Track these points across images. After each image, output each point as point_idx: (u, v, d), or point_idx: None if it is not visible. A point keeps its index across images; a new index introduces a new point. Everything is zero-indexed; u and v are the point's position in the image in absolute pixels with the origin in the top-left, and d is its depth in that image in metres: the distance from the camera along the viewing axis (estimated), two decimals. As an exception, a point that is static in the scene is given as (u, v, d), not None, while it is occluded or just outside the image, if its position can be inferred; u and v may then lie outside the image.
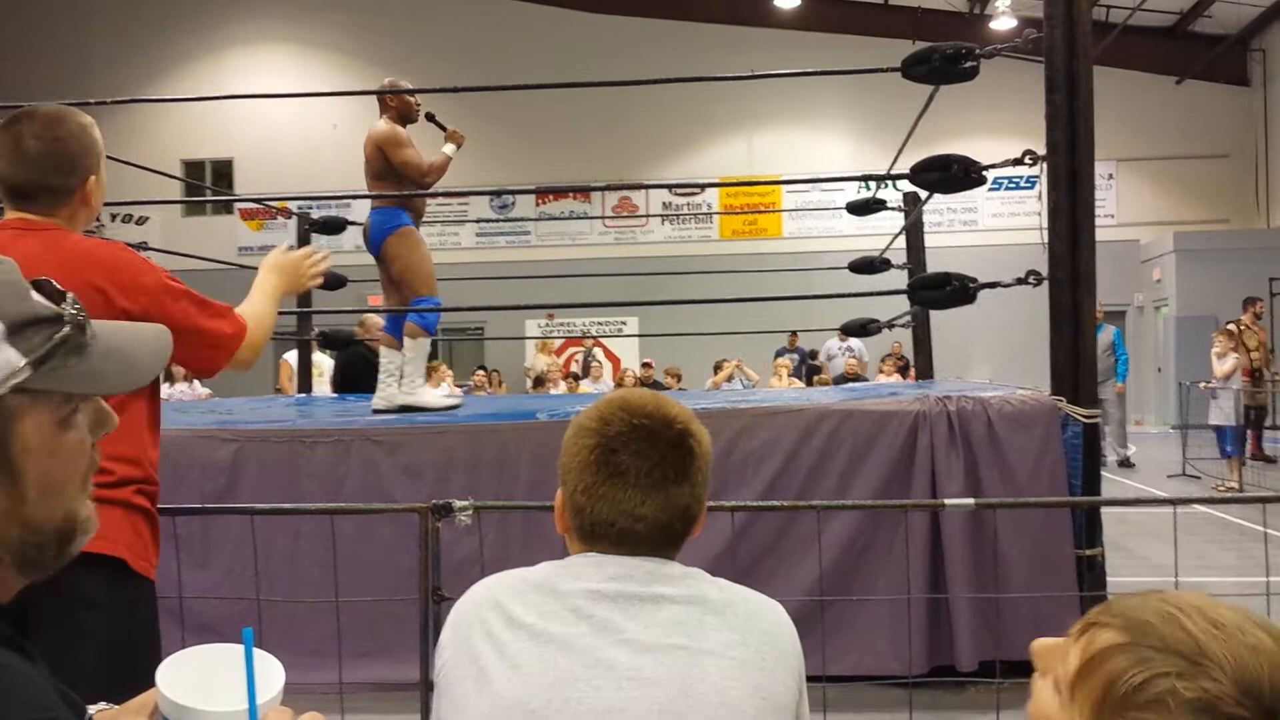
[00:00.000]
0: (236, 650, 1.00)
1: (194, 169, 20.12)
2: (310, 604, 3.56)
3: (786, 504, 3.56)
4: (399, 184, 5.35)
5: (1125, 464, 12.17)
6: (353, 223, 8.45)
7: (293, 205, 9.57)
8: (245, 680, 0.97)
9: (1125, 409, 12.73)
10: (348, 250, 18.41)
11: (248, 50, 20.59)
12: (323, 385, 9.16)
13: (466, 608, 1.44)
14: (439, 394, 5.68)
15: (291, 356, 9.87)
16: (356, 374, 7.98)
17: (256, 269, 2.50)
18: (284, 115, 19.68)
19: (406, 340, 5.43)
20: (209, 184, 20.11)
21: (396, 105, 5.55)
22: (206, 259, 7.82)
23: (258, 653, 0.99)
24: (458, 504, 2.35)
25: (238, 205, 19.90)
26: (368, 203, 18.47)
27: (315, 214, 8.63)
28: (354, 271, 8.50)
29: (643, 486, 1.40)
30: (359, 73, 19.85)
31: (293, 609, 3.83)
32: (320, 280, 2.62)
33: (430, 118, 5.70)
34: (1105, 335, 12.41)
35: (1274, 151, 18.97)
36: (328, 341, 8.20)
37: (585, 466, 1.43)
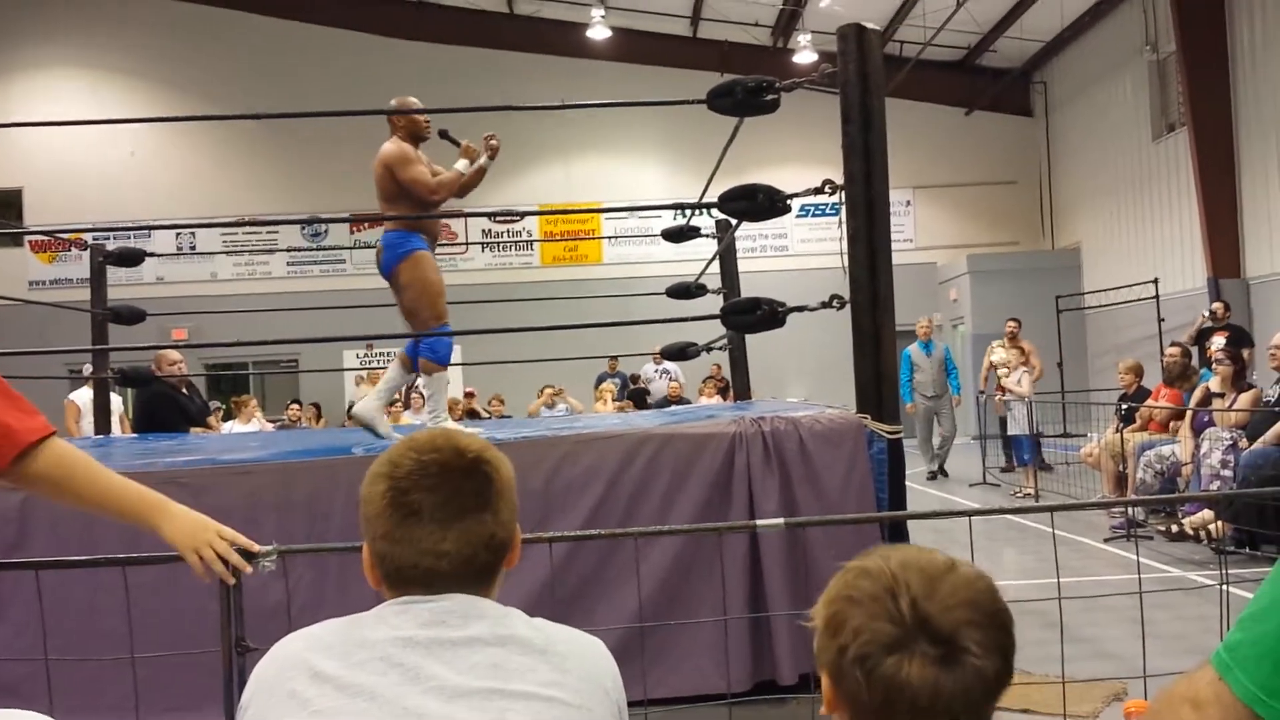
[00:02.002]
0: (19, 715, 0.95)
1: (-22, 200, 18.90)
2: (107, 661, 3.36)
3: (604, 533, 3.58)
4: (413, 205, 5.13)
5: (933, 476, 12.66)
6: (151, 254, 8.07)
7: (88, 236, 9.05)
8: None
9: (954, 421, 13.20)
10: (148, 282, 17.70)
11: (35, 75, 19.46)
12: (113, 425, 8.67)
13: (269, 665, 1.39)
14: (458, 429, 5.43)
15: (78, 396, 9.32)
16: (157, 412, 7.61)
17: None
18: (78, 142, 18.69)
19: (423, 377, 5.28)
20: (-6, 215, 18.91)
21: (405, 125, 5.26)
22: (-10, 295, 7.36)
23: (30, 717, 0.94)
24: (260, 549, 2.27)
25: (28, 237, 18.75)
26: (170, 233, 17.63)
27: (112, 245, 8.17)
28: (152, 305, 8.12)
29: (439, 521, 1.39)
30: (156, 97, 19.05)
31: (94, 665, 3.60)
32: (213, 569, 2.21)
33: (444, 134, 5.43)
34: (938, 352, 12.86)
35: (1057, 177, 20.35)
36: (126, 379, 7.78)
37: (381, 513, 1.40)
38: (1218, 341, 11.27)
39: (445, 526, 1.39)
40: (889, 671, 1.09)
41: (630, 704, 1.50)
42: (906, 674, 1.09)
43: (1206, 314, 11.75)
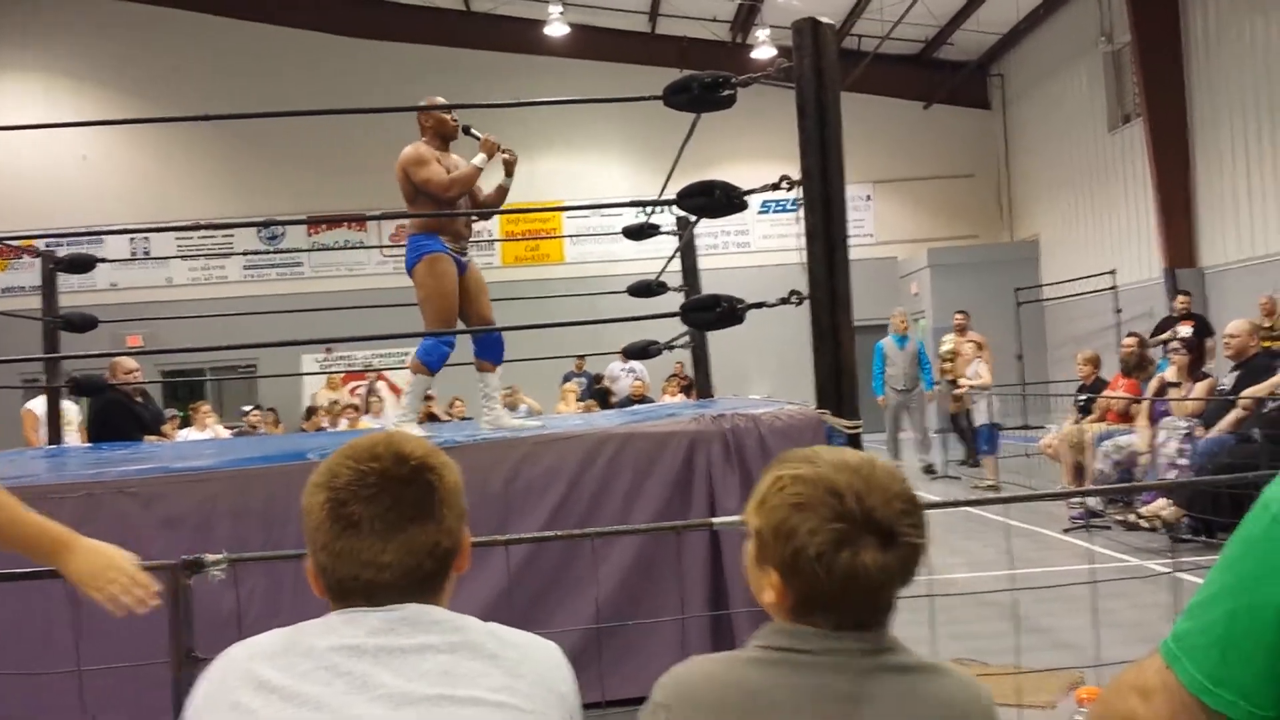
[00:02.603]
0: None
1: (-76, 206, 18.53)
2: (56, 674, 3.29)
3: (560, 534, 3.55)
4: (432, 206, 5.18)
5: (929, 470, 12.32)
6: (104, 259, 7.94)
7: (39, 243, 8.91)
8: None
9: (926, 415, 12.94)
10: (101, 289, 17.45)
11: (-14, 78, 19.16)
12: (71, 434, 8.53)
13: (213, 677, 1.36)
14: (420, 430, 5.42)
15: (36, 405, 9.17)
16: (111, 421, 7.49)
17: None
18: (28, 146, 18.38)
19: (408, 374, 5.31)
20: (-58, 221, 18.58)
21: (432, 125, 5.33)
22: (-63, 304, 7.21)
23: None
24: (209, 558, 2.22)
25: (-23, 244, 18.46)
26: (124, 238, 17.41)
27: (64, 251, 8.03)
28: (106, 311, 7.99)
29: (378, 533, 1.35)
30: (110, 101, 18.79)
31: (43, 678, 3.53)
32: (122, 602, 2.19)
33: (466, 130, 5.46)
34: (911, 345, 12.61)
35: (1015, 169, 20.54)
36: (79, 388, 7.64)
37: (320, 525, 1.37)
38: (1184, 330, 11.45)
39: (385, 538, 1.35)
40: (846, 561, 1.31)
41: (590, 705, 1.49)
42: (862, 561, 1.31)
43: (1177, 337, 11.79)
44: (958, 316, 12.82)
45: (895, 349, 12.59)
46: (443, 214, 5.28)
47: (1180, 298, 12.59)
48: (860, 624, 1.36)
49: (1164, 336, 11.79)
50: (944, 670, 1.42)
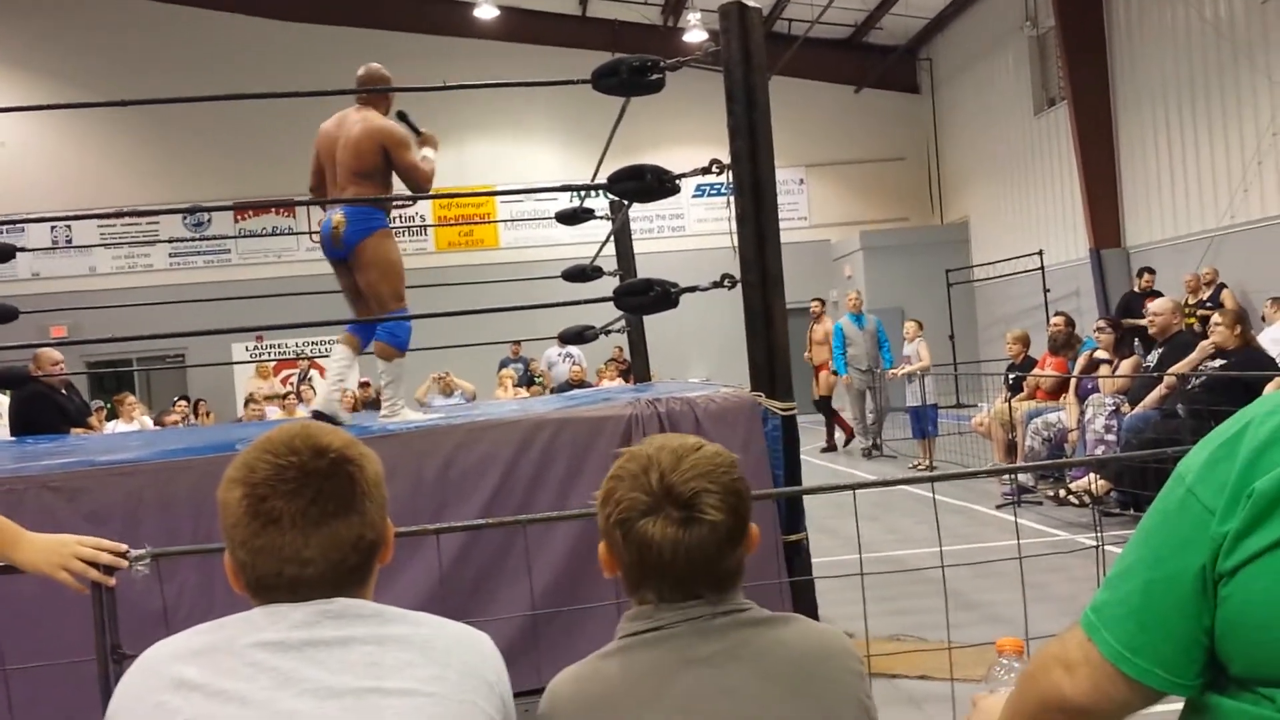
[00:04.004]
0: None
1: None
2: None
3: (492, 521, 3.53)
4: (382, 188, 4.92)
5: (868, 453, 12.40)
6: (24, 249, 7.73)
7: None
8: None
9: (885, 395, 12.77)
10: (22, 279, 16.98)
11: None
12: (1, 428, 8.34)
13: (134, 676, 1.33)
14: (419, 415, 5.21)
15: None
16: (34, 414, 7.31)
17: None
18: (-60, 134, 17.84)
19: (380, 361, 5.05)
20: None
21: (386, 106, 5.09)
22: None
23: None
24: (133, 553, 2.18)
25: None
26: (45, 227, 16.86)
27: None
28: (28, 302, 7.76)
29: (301, 528, 1.31)
30: (27, 86, 18.24)
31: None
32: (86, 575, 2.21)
33: (403, 117, 5.15)
34: (870, 324, 12.56)
35: (944, 153, 20.79)
36: (1, 380, 7.46)
37: (239, 521, 1.33)
38: (1151, 307, 11.67)
39: (307, 534, 1.32)
40: (641, 531, 1.39)
41: (531, 693, 1.49)
42: (652, 533, 1.39)
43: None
44: (814, 305, 13.41)
45: (855, 329, 12.52)
46: (381, 199, 5.07)
47: (1145, 275, 12.83)
48: (688, 594, 1.43)
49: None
50: (797, 619, 1.50)
